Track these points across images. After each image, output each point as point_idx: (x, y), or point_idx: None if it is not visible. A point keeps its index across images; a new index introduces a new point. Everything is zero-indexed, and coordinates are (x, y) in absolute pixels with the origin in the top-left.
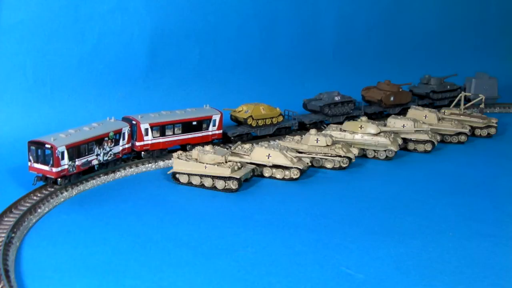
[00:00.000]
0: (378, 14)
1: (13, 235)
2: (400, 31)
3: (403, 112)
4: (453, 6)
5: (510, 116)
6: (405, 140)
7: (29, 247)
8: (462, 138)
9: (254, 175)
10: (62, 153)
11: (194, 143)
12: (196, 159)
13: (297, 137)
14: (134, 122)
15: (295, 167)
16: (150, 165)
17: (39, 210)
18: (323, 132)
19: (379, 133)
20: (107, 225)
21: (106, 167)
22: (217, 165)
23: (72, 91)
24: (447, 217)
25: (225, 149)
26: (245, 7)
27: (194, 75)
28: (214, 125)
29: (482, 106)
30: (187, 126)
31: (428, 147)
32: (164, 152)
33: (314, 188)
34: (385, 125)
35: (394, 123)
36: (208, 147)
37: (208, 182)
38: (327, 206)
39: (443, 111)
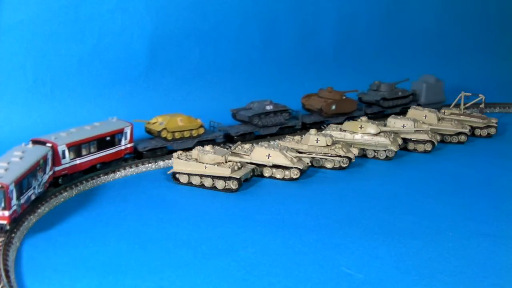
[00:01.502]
0: (379, 13)
1: (13, 235)
2: (401, 31)
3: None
4: (455, 5)
5: (510, 116)
6: (405, 140)
7: (29, 247)
8: (462, 138)
9: (254, 175)
10: (12, 191)
11: (107, 161)
12: (196, 159)
13: (297, 137)
14: (49, 144)
15: (295, 167)
16: (150, 165)
17: (39, 210)
18: (323, 132)
19: (379, 133)
20: (107, 225)
21: (38, 200)
22: (217, 165)
23: (72, 91)
24: (447, 217)
25: (225, 149)
26: (245, 7)
27: (194, 75)
28: (126, 139)
29: (482, 106)
30: (101, 143)
31: (428, 147)
32: (80, 174)
33: (314, 188)
34: (385, 125)
35: (394, 123)
36: (208, 147)
37: (208, 182)
38: (327, 206)
39: (443, 111)
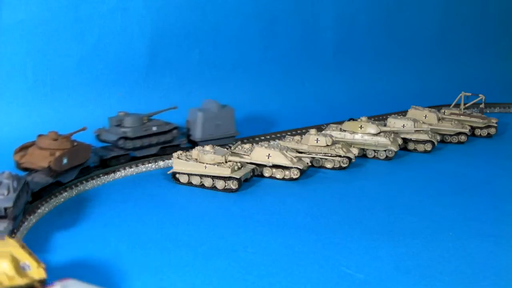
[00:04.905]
0: (379, 14)
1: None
2: (401, 31)
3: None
4: (455, 5)
5: (510, 116)
6: (405, 140)
7: (29, 247)
8: (462, 138)
9: (254, 175)
10: None
11: None
12: (196, 159)
13: (297, 137)
14: None
15: (295, 167)
16: (150, 165)
17: (39, 210)
18: (323, 132)
19: (379, 133)
20: (107, 225)
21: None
22: (217, 165)
23: (72, 91)
24: (447, 217)
25: (225, 149)
26: (245, 7)
27: (194, 75)
28: None
29: (482, 106)
30: None
31: (428, 147)
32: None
33: (314, 188)
34: (385, 125)
35: (394, 123)
36: (208, 147)
37: (208, 182)
38: (327, 206)
39: (443, 111)
